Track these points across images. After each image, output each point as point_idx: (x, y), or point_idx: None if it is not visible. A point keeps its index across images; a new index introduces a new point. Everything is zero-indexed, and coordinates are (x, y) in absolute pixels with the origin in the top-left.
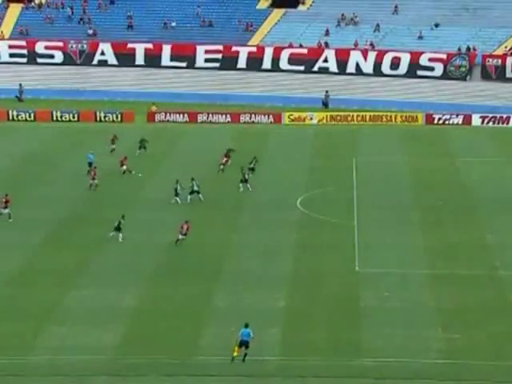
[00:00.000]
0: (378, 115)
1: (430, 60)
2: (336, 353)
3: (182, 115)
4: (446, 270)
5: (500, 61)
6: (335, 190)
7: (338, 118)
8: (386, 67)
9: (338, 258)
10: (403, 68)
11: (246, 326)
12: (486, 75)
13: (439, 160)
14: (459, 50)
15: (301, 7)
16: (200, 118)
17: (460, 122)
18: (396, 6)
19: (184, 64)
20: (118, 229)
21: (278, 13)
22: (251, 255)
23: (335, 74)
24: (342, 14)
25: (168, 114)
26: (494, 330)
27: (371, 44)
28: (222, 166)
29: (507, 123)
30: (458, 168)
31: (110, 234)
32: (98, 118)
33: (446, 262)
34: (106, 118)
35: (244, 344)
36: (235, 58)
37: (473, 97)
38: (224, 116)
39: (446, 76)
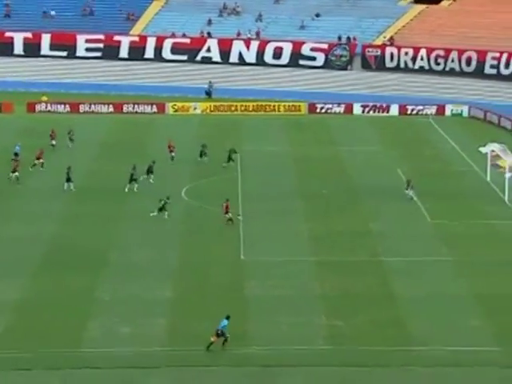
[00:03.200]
0: (262, 105)
1: (312, 50)
2: (222, 342)
3: (63, 105)
4: (331, 257)
5: (379, 51)
6: (220, 179)
7: (222, 107)
8: (268, 57)
9: (224, 247)
10: (285, 58)
11: (227, 317)
12: (366, 65)
13: (322, 149)
14: (339, 39)
15: None
16: (82, 108)
17: (342, 111)
18: None
19: (64, 53)
20: None
21: (159, 2)
22: (137, 246)
23: (218, 63)
24: (224, 4)
25: (49, 105)
26: (377, 316)
27: (257, 33)
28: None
29: (387, 112)
30: (341, 156)
31: None
32: None
33: (331, 249)
34: None
35: (220, 333)
36: (117, 47)
37: (354, 86)
38: (106, 106)
39: (327, 66)
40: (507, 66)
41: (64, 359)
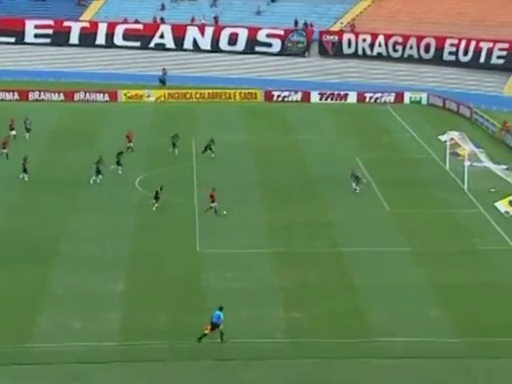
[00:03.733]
0: (217, 92)
1: (268, 36)
2: (179, 336)
3: (11, 93)
4: (289, 248)
5: (337, 37)
6: (175, 169)
7: (176, 95)
8: (223, 43)
9: (179, 238)
10: (241, 44)
11: (220, 309)
12: (323, 51)
13: (279, 137)
14: (296, 25)
15: None
16: (31, 96)
17: (299, 99)
18: None
19: (12, 39)
20: None
21: None
22: (89, 238)
23: (172, 50)
24: None
25: None
26: (336, 307)
27: (215, 18)
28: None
29: (345, 100)
30: (298, 145)
31: None
32: None
33: (289, 240)
34: None
35: (215, 326)
36: (67, 33)
37: (311, 73)
38: (57, 94)
39: (284, 52)
40: (466, 52)
41: (13, 355)
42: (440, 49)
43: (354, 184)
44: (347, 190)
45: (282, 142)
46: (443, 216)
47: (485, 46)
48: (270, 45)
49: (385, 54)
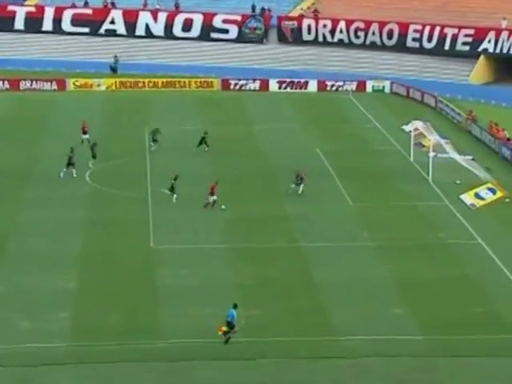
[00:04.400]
0: (171, 81)
1: (224, 22)
2: (131, 336)
3: None
4: (247, 243)
5: (296, 23)
6: (127, 161)
7: (128, 84)
8: (177, 29)
9: (132, 234)
10: (196, 30)
11: (234, 306)
12: (282, 38)
13: (237, 127)
14: (253, 10)
15: None
16: None
17: (257, 88)
18: None
19: None
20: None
21: None
22: (37, 234)
23: (123, 36)
24: None
25: None
26: (296, 305)
27: (176, 5)
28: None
29: (305, 88)
30: (256, 136)
31: None
32: None
33: (247, 235)
34: None
35: (230, 325)
36: (11, 18)
37: (270, 61)
38: (1, 82)
39: (241, 39)
40: (430, 39)
41: None
42: (403, 35)
43: (293, 185)
44: (307, 181)
45: (239, 132)
46: (407, 209)
47: (450, 32)
48: (226, 31)
49: (346, 40)
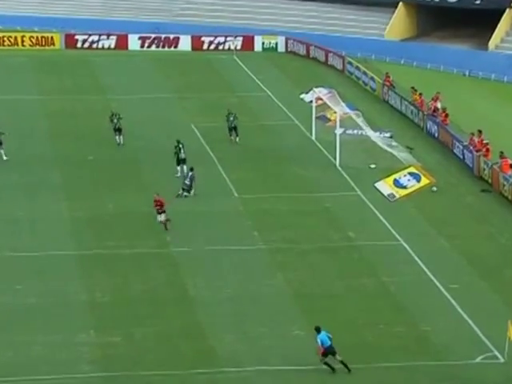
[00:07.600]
0: None
1: None
2: None
3: None
4: (100, 248)
5: None
6: None
7: None
8: None
9: None
10: None
11: (318, 330)
12: None
13: (86, 98)
14: None
15: None
16: None
17: (112, 46)
18: None
19: None
20: None
21: None
22: None
23: None
24: None
25: None
26: (165, 326)
27: None
28: None
29: (175, 46)
30: (112, 108)
31: None
32: None
33: (101, 238)
34: None
35: (331, 351)
36: None
37: (130, 11)
38: None
39: None
40: None
41: None
42: None
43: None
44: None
45: (89, 105)
46: (308, 202)
47: None
48: None
49: None
